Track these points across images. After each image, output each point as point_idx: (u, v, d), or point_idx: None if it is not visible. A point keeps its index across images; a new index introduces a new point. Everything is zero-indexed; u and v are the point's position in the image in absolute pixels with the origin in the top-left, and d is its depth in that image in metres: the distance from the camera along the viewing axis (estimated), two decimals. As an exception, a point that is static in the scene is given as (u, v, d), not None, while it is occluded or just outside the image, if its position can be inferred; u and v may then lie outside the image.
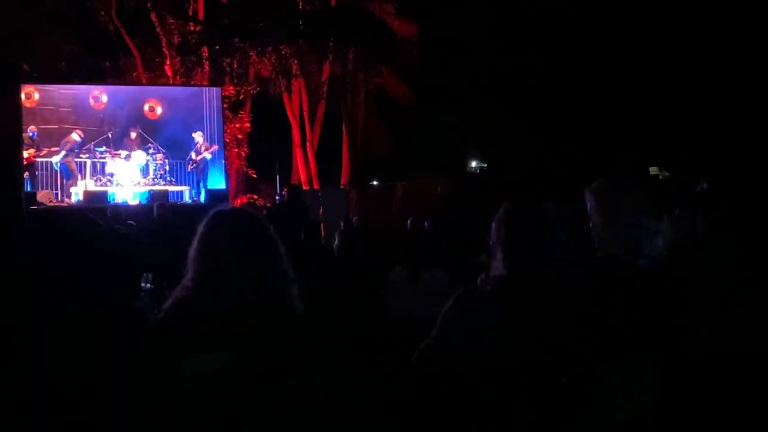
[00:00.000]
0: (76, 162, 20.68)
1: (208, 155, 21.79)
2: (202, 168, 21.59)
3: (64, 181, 20.41)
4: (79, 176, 20.61)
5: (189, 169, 21.65)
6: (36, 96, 21.33)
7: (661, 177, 24.21)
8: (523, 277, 3.32)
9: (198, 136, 21.71)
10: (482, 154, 36.73)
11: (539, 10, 28.12)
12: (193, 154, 21.57)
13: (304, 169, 28.56)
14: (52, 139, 20.90)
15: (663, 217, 4.08)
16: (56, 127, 21.23)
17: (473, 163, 37.48)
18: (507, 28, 28.69)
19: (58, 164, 20.35)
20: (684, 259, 3.71)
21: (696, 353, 3.34)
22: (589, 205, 3.63)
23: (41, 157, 20.47)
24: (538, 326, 3.24)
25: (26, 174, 19.86)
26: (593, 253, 3.64)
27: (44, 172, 20.48)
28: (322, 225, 17.28)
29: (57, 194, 20.30)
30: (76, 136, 20.34)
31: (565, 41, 29.06)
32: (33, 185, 19.62)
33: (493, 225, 3.47)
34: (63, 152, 20.28)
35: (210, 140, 22.28)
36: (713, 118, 27.67)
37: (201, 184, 21.41)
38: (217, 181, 22.06)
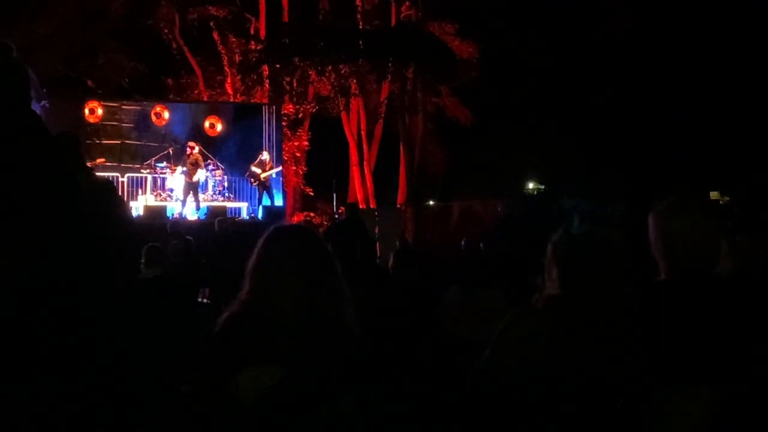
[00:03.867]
0: (137, 177, 21.03)
1: (273, 174, 21.93)
2: (268, 185, 21.66)
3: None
4: (140, 191, 20.88)
5: (252, 185, 21.75)
6: (99, 111, 21.68)
7: (721, 201, 23.81)
8: (579, 298, 3.29)
9: (265, 155, 21.84)
10: (540, 175, 36.51)
11: (599, 34, 27.96)
12: (258, 169, 21.63)
13: (361, 188, 28.62)
14: (114, 154, 21.23)
15: (723, 242, 4.00)
16: (118, 142, 21.57)
17: (530, 185, 37.25)
18: (567, 50, 28.58)
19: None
20: (746, 285, 3.65)
21: (761, 383, 3.27)
22: (652, 228, 3.58)
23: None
24: (592, 348, 3.21)
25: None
26: (652, 276, 3.60)
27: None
28: (377, 244, 17.28)
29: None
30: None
31: (625, 65, 28.84)
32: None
33: (549, 246, 3.45)
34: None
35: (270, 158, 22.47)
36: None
37: (266, 200, 21.47)
38: (274, 199, 22.21)
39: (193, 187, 20.03)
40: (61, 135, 5.79)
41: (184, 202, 20.08)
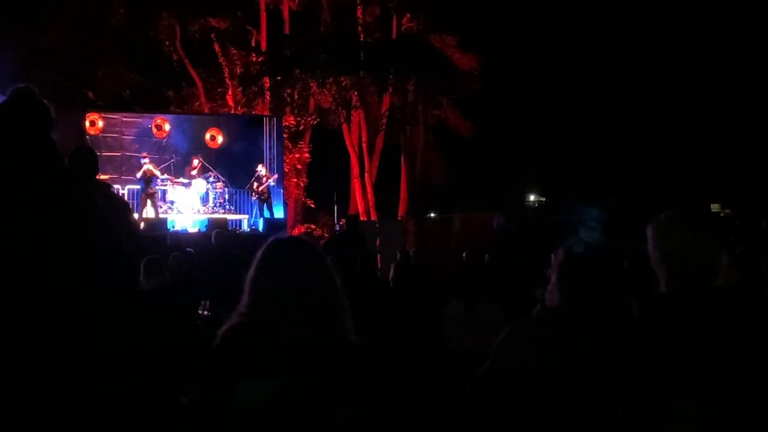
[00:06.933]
0: (138, 190, 21.02)
1: (271, 182, 21.90)
2: (267, 197, 21.64)
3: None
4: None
5: (253, 199, 21.79)
6: (100, 123, 21.72)
7: (722, 214, 23.85)
8: (579, 310, 3.27)
9: (261, 168, 21.83)
10: (541, 187, 36.53)
11: (601, 47, 28.04)
12: (255, 184, 21.60)
13: (362, 200, 28.61)
14: (114, 165, 21.25)
15: (724, 255, 3.99)
16: (119, 154, 21.59)
17: (531, 197, 37.26)
18: (568, 62, 28.64)
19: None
20: (747, 297, 3.63)
21: (761, 395, 3.26)
22: (650, 241, 3.57)
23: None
24: (592, 360, 3.19)
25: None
26: (652, 289, 3.59)
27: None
28: (378, 256, 17.25)
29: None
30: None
31: (627, 77, 28.88)
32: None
33: (553, 257, 3.44)
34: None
35: (270, 170, 22.45)
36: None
37: (266, 212, 21.43)
38: (275, 211, 22.21)
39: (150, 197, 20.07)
40: (80, 148, 5.92)
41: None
